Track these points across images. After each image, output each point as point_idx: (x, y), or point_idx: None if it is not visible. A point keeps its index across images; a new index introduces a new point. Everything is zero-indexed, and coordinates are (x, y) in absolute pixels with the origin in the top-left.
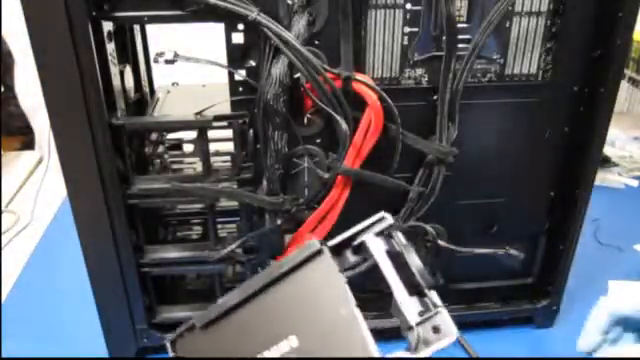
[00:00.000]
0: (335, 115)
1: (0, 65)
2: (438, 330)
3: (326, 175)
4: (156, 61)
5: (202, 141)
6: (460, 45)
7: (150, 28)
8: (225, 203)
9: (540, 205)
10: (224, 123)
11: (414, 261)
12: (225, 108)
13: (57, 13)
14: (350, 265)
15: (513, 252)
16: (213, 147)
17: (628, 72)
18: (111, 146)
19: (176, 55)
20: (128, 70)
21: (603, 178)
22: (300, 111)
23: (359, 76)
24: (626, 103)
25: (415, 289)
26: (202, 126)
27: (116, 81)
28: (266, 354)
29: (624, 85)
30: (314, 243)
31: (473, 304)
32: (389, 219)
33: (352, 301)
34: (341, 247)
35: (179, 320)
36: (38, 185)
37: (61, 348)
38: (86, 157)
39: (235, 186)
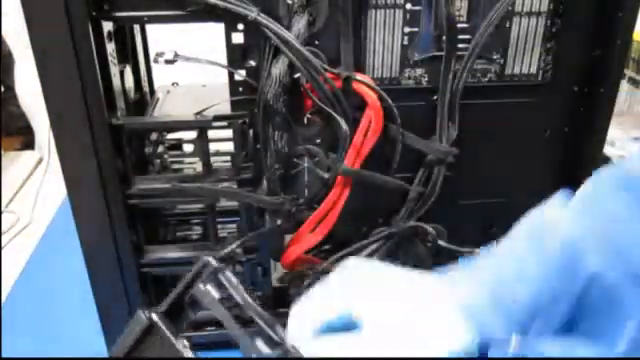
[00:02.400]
0: (335, 115)
1: (0, 65)
2: None
3: (326, 175)
4: (156, 61)
5: (202, 141)
6: (460, 45)
7: (150, 28)
8: (225, 203)
9: (540, 205)
10: (224, 123)
11: (247, 302)
12: (225, 108)
13: (57, 13)
14: (193, 319)
15: None
16: (213, 147)
17: (628, 72)
18: (111, 146)
19: (176, 55)
20: (128, 70)
21: None
22: (300, 111)
23: (359, 76)
24: (626, 103)
25: (256, 329)
26: (202, 126)
27: (116, 81)
28: None
29: (624, 85)
30: (141, 318)
31: None
32: (212, 263)
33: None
34: (176, 306)
35: None
36: (38, 185)
37: (61, 348)
38: (86, 157)
39: (235, 186)
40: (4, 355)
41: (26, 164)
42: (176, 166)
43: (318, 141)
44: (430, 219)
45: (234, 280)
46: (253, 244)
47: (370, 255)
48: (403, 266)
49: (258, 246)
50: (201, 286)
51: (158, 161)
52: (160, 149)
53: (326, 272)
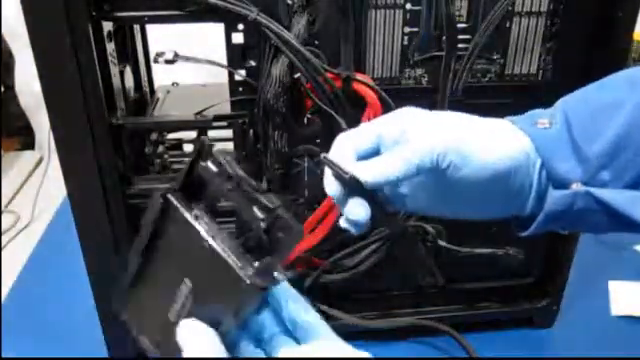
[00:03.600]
0: (335, 115)
1: (0, 65)
2: (283, 230)
3: None
4: (156, 61)
5: None
6: (460, 45)
7: (150, 28)
8: (225, 203)
9: None
10: (224, 123)
11: (238, 173)
12: (225, 108)
13: (57, 13)
14: (203, 196)
15: (513, 252)
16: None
17: None
18: (111, 146)
19: (176, 55)
20: (128, 70)
21: None
22: (300, 111)
23: (359, 76)
24: None
25: (251, 199)
26: (202, 126)
27: (116, 81)
28: (177, 304)
29: None
30: (156, 197)
31: (473, 304)
32: (206, 140)
33: (204, 233)
34: (187, 186)
35: None
36: (38, 185)
37: (61, 348)
38: (86, 157)
39: None
40: (4, 355)
41: (26, 164)
42: (176, 166)
43: (318, 141)
44: (430, 219)
45: (229, 157)
46: (253, 244)
47: (370, 255)
48: (403, 266)
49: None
50: (202, 163)
51: (158, 161)
52: (160, 149)
53: (326, 272)
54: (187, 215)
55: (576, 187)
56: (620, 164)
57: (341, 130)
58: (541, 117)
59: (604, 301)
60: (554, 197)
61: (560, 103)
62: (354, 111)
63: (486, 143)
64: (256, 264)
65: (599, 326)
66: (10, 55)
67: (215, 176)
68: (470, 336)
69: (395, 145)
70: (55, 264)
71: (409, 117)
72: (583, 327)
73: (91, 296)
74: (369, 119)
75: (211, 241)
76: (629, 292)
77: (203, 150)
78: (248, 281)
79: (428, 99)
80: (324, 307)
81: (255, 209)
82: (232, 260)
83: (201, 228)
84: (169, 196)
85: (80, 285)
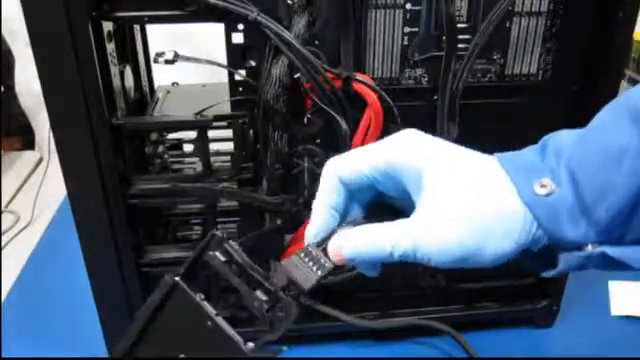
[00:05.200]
0: (335, 115)
1: (0, 65)
2: (283, 310)
3: None
4: (156, 61)
5: (202, 141)
6: (460, 45)
7: (150, 28)
8: (225, 203)
9: None
10: (224, 123)
11: (245, 261)
12: (225, 108)
13: (57, 13)
14: (204, 282)
15: None
16: (213, 147)
17: (628, 72)
18: (111, 146)
19: (176, 55)
20: (128, 70)
21: None
22: (300, 111)
23: (359, 76)
24: None
25: (255, 283)
26: (202, 126)
27: (116, 81)
28: None
29: (624, 85)
30: (167, 280)
31: (473, 304)
32: (218, 234)
33: (212, 313)
34: (192, 270)
35: None
36: (38, 185)
37: (61, 348)
38: (86, 157)
39: (235, 186)
40: (4, 355)
41: (26, 164)
42: (176, 166)
43: (318, 141)
44: None
45: (237, 247)
46: (253, 244)
47: None
48: (403, 266)
49: (258, 246)
50: (210, 253)
51: (158, 161)
52: (160, 149)
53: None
54: (196, 297)
55: (591, 248)
56: (637, 218)
57: (341, 130)
58: (541, 175)
59: (604, 301)
60: (566, 259)
61: (562, 152)
62: (354, 111)
63: (493, 247)
64: (258, 340)
65: (599, 326)
66: (10, 54)
67: (222, 263)
68: (470, 336)
69: (413, 190)
70: (55, 264)
71: (429, 165)
72: (583, 327)
73: (91, 296)
74: (369, 119)
75: (217, 319)
76: (629, 292)
77: (213, 242)
78: (250, 354)
79: (428, 99)
80: (324, 307)
81: (258, 292)
82: (235, 336)
83: (209, 308)
84: (178, 280)
85: (80, 285)
